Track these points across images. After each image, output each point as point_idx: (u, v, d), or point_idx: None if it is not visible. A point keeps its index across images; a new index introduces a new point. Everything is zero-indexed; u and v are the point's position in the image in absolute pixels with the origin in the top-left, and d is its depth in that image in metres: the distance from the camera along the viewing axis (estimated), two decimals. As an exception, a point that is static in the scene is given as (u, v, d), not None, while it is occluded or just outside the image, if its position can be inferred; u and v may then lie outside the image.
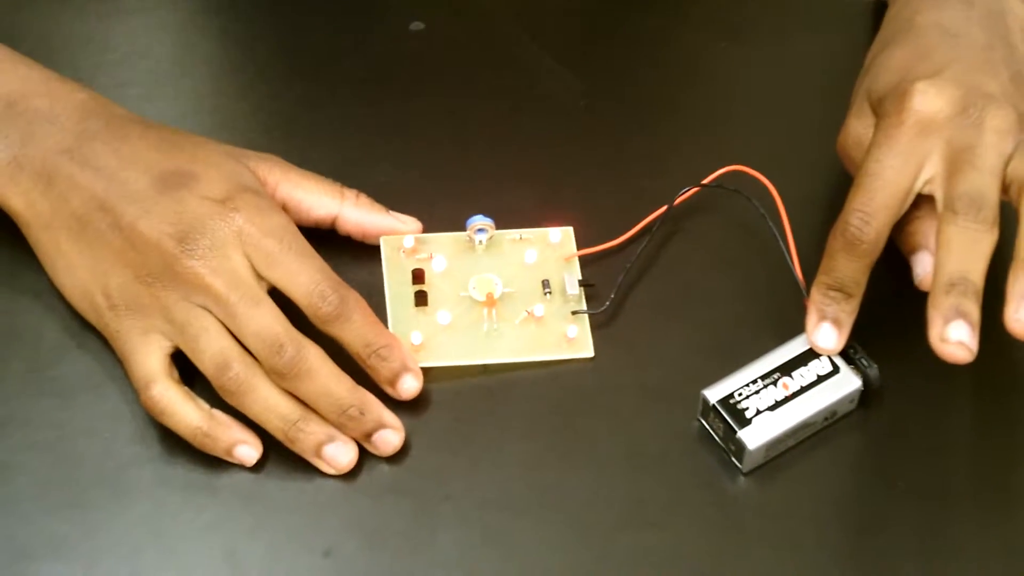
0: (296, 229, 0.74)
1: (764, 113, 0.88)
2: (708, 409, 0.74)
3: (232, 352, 0.72)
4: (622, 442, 0.74)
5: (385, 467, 0.73)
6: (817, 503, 0.73)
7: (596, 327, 0.78)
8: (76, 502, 0.72)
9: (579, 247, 0.80)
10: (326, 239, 0.78)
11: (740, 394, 0.73)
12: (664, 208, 0.80)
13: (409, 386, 0.74)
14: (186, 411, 0.72)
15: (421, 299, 0.78)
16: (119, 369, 0.75)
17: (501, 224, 0.80)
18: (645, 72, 0.89)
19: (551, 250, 0.80)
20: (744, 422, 0.73)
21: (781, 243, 0.78)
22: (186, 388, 0.73)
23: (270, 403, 0.72)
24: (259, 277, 0.73)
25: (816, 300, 0.74)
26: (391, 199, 0.80)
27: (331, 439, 0.72)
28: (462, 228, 0.79)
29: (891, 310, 0.77)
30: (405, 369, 0.74)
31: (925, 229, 0.76)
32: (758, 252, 0.80)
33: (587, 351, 0.77)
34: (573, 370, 0.76)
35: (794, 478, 0.74)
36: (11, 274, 0.78)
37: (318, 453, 0.72)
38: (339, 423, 0.72)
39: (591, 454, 0.74)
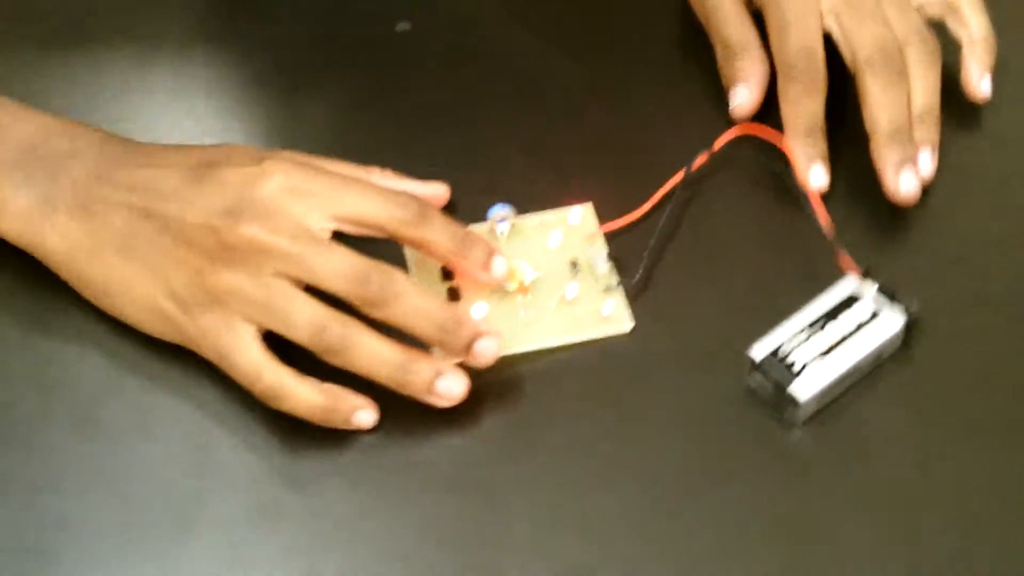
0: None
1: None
2: (755, 367, 0.74)
3: (324, 312, 0.71)
4: (674, 410, 0.75)
5: (448, 464, 0.73)
6: (874, 444, 0.74)
7: (631, 299, 0.78)
8: (145, 539, 0.71)
9: (600, 223, 0.80)
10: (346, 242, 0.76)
11: (784, 349, 0.74)
12: (682, 173, 0.80)
13: (501, 267, 0.75)
14: (302, 391, 0.72)
15: (454, 295, 0.78)
16: (161, 411, 0.74)
17: (520, 209, 0.80)
18: (641, 44, 0.90)
19: (574, 230, 0.80)
20: (793, 376, 0.73)
21: (800, 195, 0.78)
22: (291, 367, 0.72)
23: (376, 352, 0.72)
24: (319, 226, 0.72)
25: (799, 145, 0.80)
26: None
27: (439, 374, 0.72)
28: (482, 218, 0.80)
29: (923, 240, 0.79)
30: (493, 251, 0.75)
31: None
32: (777, 207, 0.81)
33: (625, 325, 0.77)
34: (615, 345, 0.77)
35: (849, 422, 0.74)
36: (41, 323, 0.77)
37: (431, 390, 0.72)
38: (439, 340, 0.72)
39: (645, 425, 0.74)
